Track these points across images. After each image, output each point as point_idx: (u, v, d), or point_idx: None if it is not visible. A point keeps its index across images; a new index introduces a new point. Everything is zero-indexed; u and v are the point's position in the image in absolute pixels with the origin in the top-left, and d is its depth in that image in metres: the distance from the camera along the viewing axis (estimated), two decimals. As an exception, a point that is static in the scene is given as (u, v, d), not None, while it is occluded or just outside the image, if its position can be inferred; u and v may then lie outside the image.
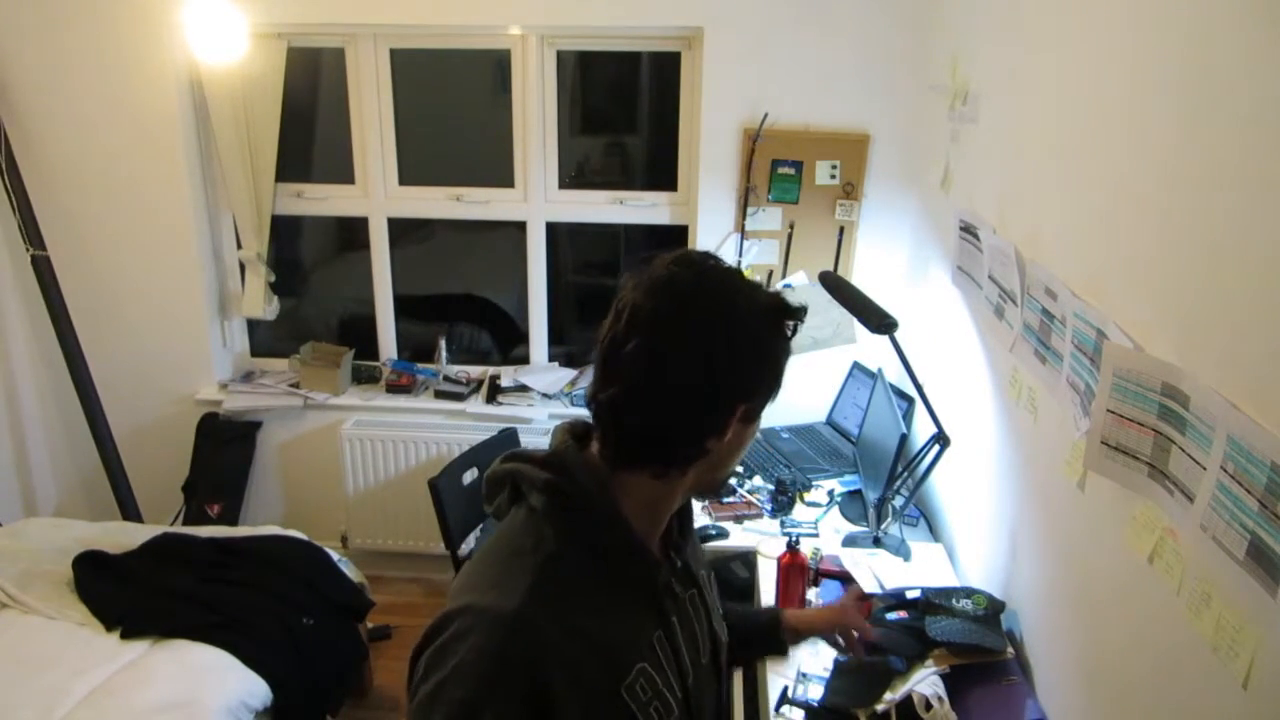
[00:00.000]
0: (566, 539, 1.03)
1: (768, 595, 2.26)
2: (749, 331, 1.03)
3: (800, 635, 1.66)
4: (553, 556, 1.01)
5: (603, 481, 1.05)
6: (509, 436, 3.25)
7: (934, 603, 2.00)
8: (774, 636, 1.63)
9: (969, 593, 2.02)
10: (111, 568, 2.70)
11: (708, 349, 0.99)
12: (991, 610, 1.97)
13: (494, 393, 3.45)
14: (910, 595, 2.09)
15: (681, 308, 1.00)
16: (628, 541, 1.06)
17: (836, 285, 2.57)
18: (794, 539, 2.20)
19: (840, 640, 1.67)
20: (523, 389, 3.44)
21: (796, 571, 2.18)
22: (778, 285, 3.20)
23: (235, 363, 3.65)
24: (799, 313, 1.07)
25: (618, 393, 1.01)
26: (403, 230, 3.53)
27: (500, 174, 3.37)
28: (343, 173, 3.43)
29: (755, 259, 3.16)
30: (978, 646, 1.88)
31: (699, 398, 1.01)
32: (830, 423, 3.26)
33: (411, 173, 3.43)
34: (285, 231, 3.53)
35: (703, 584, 1.23)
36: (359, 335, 3.64)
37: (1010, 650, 1.93)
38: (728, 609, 1.48)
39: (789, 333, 1.07)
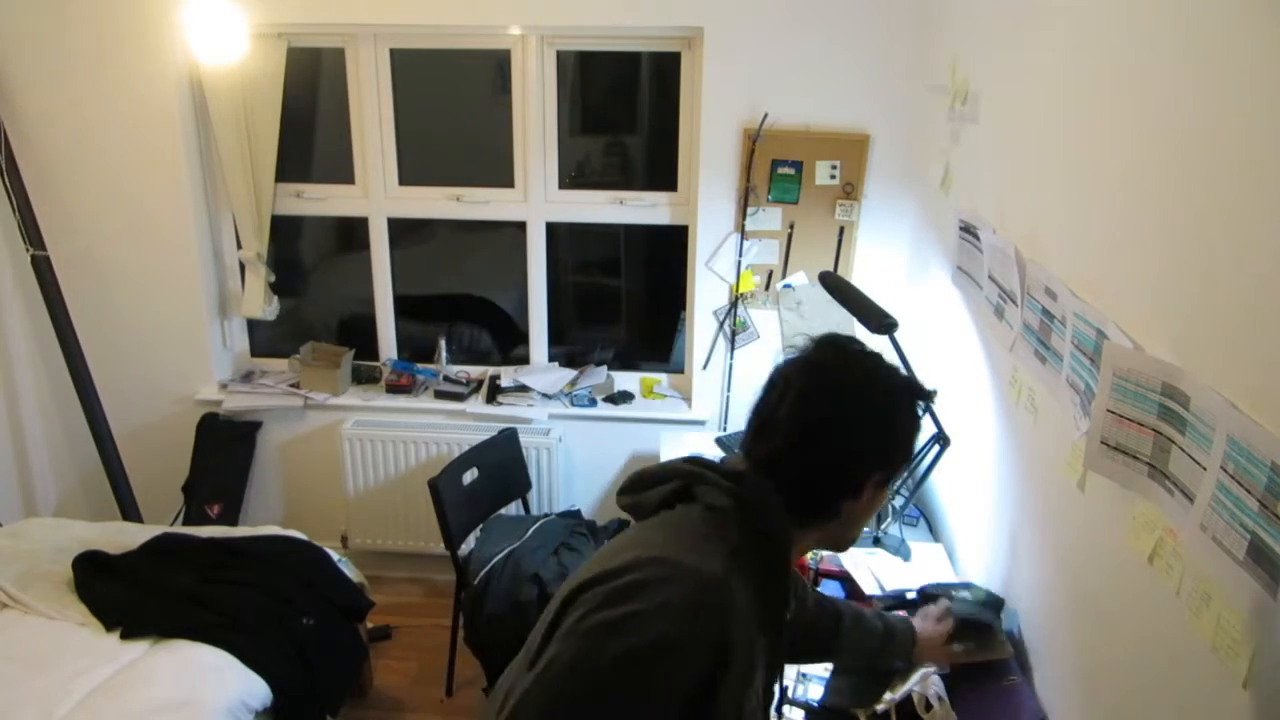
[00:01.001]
0: (746, 543, 1.11)
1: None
2: (884, 409, 1.17)
3: (921, 657, 1.77)
4: (735, 551, 1.10)
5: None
6: (509, 436, 3.25)
7: (932, 595, 2.00)
8: (905, 653, 1.75)
9: (967, 586, 2.03)
10: (111, 568, 2.69)
11: (847, 422, 1.15)
12: (989, 602, 1.97)
13: (494, 393, 3.45)
14: (909, 596, 2.09)
15: (827, 386, 1.16)
16: (787, 567, 1.16)
17: (836, 285, 2.57)
18: (794, 539, 2.21)
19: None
20: (523, 389, 3.44)
21: (796, 571, 2.18)
22: (778, 285, 3.20)
23: (235, 363, 3.65)
24: (930, 395, 1.23)
25: (768, 452, 1.17)
26: (403, 230, 3.53)
27: (500, 174, 3.37)
28: (342, 173, 3.43)
29: (755, 259, 3.17)
30: (977, 621, 1.88)
31: (839, 464, 1.16)
32: (830, 423, 3.26)
33: (411, 173, 3.43)
34: (285, 231, 3.53)
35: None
36: (359, 335, 3.64)
37: (1010, 650, 1.93)
38: (866, 612, 1.67)
39: (921, 411, 1.21)
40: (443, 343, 3.55)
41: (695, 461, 1.21)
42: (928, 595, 2.01)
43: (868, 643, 1.68)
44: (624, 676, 0.99)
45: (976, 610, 1.92)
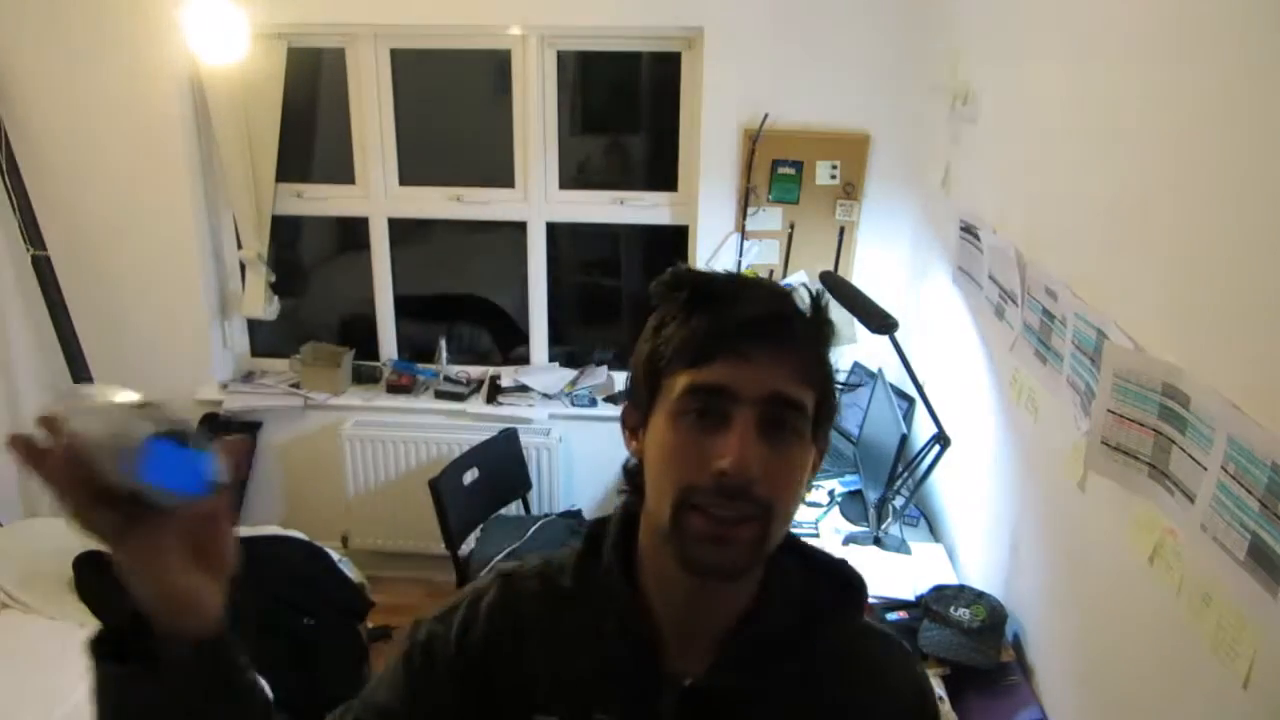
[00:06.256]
0: None
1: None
2: None
3: None
4: None
5: None
6: (509, 436, 3.25)
7: (932, 609, 1.99)
8: None
9: (970, 601, 1.99)
10: (112, 568, 2.69)
11: None
12: (989, 623, 1.94)
13: (494, 393, 3.45)
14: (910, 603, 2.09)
15: None
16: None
17: (836, 285, 2.57)
18: (794, 539, 2.20)
19: None
20: (523, 389, 3.44)
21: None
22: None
23: (236, 363, 3.65)
24: None
25: None
26: (403, 230, 3.53)
27: (500, 174, 3.37)
28: (343, 173, 3.43)
29: (755, 259, 3.16)
30: (960, 664, 1.87)
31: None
32: (830, 423, 3.26)
33: (411, 173, 3.43)
34: (285, 231, 3.53)
35: None
36: (359, 335, 3.64)
37: (1010, 651, 1.93)
38: None
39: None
40: (443, 343, 3.55)
41: None
42: (929, 608, 2.00)
43: None
44: None
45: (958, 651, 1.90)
